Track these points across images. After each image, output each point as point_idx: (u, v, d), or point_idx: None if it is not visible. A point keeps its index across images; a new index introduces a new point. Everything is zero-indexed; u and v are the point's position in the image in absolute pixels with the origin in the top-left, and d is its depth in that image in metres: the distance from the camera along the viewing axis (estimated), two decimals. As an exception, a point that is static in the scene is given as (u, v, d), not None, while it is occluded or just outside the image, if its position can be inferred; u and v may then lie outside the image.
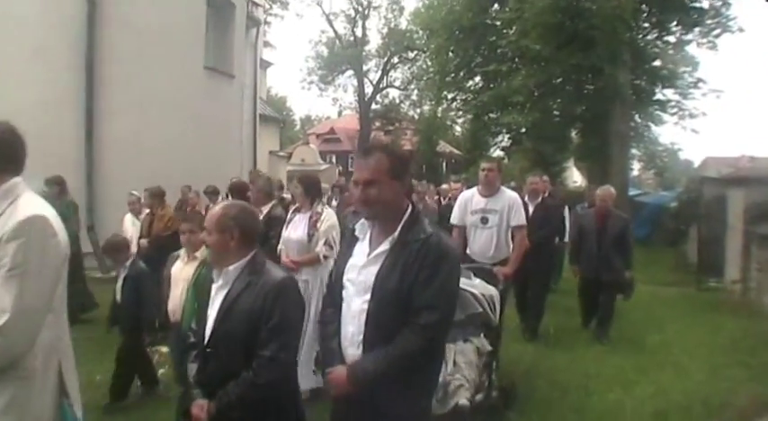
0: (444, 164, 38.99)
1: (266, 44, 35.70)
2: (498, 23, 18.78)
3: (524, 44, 15.45)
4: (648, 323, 7.43)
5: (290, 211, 4.97)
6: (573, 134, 20.34)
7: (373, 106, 36.76)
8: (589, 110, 16.84)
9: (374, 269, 2.12)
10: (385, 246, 2.13)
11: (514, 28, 16.66)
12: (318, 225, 4.57)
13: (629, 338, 6.57)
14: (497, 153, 27.66)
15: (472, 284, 3.89)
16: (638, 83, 17.19)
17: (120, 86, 10.35)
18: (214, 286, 2.39)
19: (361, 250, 2.23)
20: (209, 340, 2.32)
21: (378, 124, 36.82)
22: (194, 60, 12.08)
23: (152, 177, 8.16)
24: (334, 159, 42.81)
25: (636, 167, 25.50)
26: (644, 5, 16.01)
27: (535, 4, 14.90)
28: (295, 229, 4.65)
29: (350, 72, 36.15)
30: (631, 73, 16.08)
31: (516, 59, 17.57)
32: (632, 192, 18.00)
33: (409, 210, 2.17)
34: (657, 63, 17.18)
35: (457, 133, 33.03)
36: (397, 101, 36.85)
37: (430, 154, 32.19)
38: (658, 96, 18.16)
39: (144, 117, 10.66)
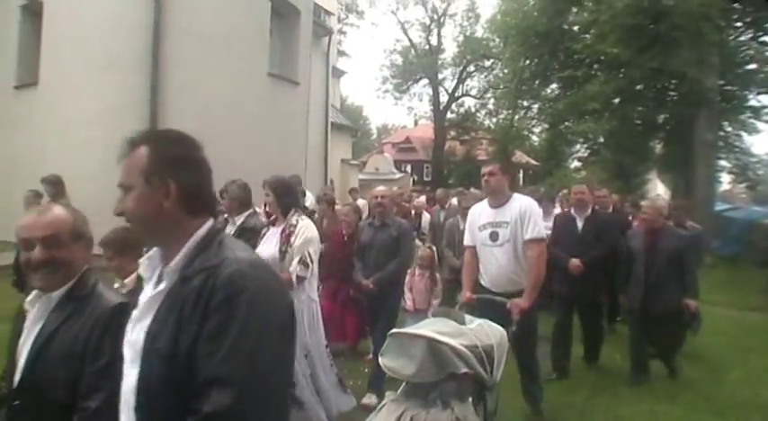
0: (522, 174, 37.99)
1: (341, 53, 36.33)
2: (575, 28, 18.12)
3: (601, 48, 14.64)
4: (729, 355, 6.41)
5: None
6: (655, 143, 19.11)
7: (449, 115, 36.36)
8: (672, 117, 15.81)
9: (145, 323, 1.37)
10: (162, 285, 1.39)
11: (591, 32, 15.93)
12: (292, 240, 3.96)
13: (704, 374, 5.67)
14: (574, 164, 26.76)
15: (459, 332, 2.94)
16: (727, 88, 15.91)
17: (185, 92, 10.61)
18: (28, 318, 1.87)
19: (144, 293, 1.48)
20: (16, 389, 1.78)
21: (453, 133, 36.37)
22: (258, 67, 12.24)
23: (216, 185, 8.18)
24: (409, 169, 42.80)
25: (726, 180, 23.54)
26: (736, 4, 14.77)
27: (613, 5, 14.15)
28: (267, 245, 4.05)
29: (425, 81, 35.98)
30: (720, 77, 14.93)
31: (593, 65, 16.74)
32: (721, 206, 16.61)
33: (203, 228, 1.44)
34: (752, 66, 15.80)
35: (534, 143, 32.00)
36: (473, 110, 36.26)
37: (505, 164, 31.28)
38: (752, 102, 16.75)
39: (207, 123, 10.62)
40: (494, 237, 4.14)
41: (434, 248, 6.41)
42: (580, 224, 5.59)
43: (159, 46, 10.31)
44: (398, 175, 30.17)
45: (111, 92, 10.11)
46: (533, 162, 33.60)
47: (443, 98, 35.85)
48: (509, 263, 4.09)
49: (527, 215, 4.07)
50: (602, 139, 18.30)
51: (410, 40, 35.44)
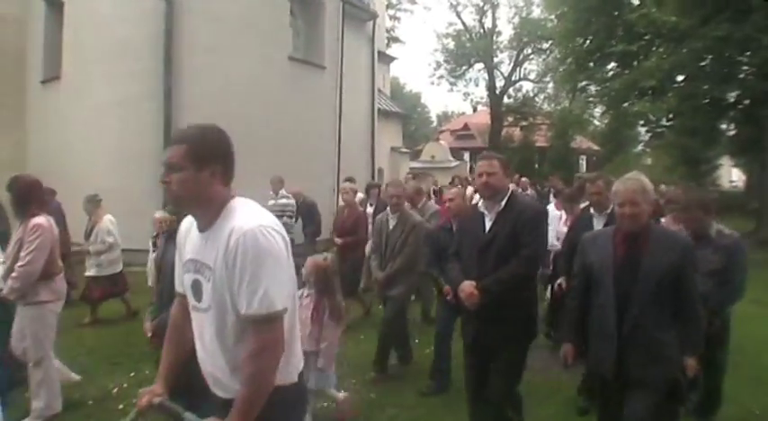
0: (585, 160, 36.35)
1: (395, 39, 35.71)
2: (631, -2, 16.45)
3: (657, 17, 13.13)
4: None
5: None
6: (725, 124, 17.37)
7: (506, 100, 35.08)
8: (744, 94, 14.22)
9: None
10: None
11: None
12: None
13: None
14: (638, 149, 25.08)
15: None
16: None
17: (200, 78, 10.33)
18: None
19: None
20: None
21: (510, 119, 35.11)
22: (278, 50, 11.81)
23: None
24: (467, 156, 41.81)
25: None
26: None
27: (672, -32, 12.64)
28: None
29: (480, 65, 34.77)
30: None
31: (651, 38, 15.23)
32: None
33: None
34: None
35: (597, 127, 30.39)
36: (531, 94, 34.84)
37: (564, 150, 29.94)
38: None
39: (224, 109, 10.28)
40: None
41: (329, 257, 4.24)
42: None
43: (173, 31, 10.07)
44: (454, 163, 29.41)
45: (126, 80, 9.99)
46: (595, 147, 31.94)
47: (500, 83, 34.61)
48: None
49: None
50: (665, 121, 16.89)
51: (463, 23, 34.32)
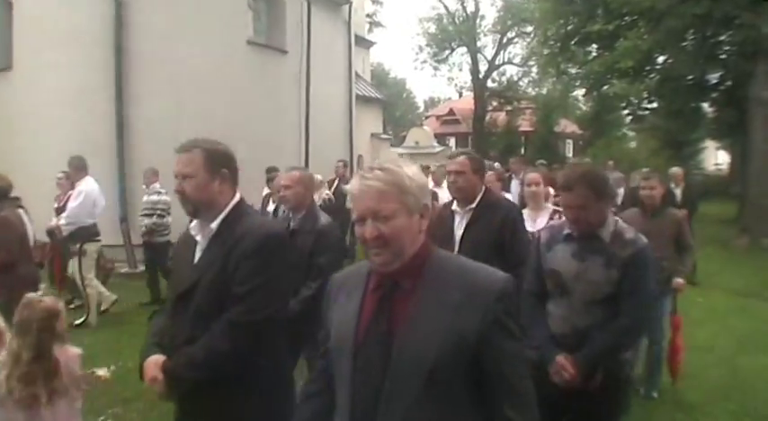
0: (571, 145, 36.12)
1: (377, 24, 35.21)
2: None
3: None
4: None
5: None
6: (708, 106, 17.07)
7: (491, 85, 34.66)
8: (726, 75, 13.91)
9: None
10: None
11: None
12: None
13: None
14: (622, 132, 24.81)
15: None
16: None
17: (153, 65, 9.84)
18: None
19: None
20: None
21: (495, 104, 34.72)
22: (236, 35, 11.30)
23: None
24: (453, 142, 41.54)
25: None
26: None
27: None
28: None
29: (463, 49, 34.26)
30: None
31: (627, 18, 14.84)
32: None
33: None
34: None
35: (581, 110, 30.07)
36: (515, 78, 34.44)
37: (547, 134, 29.64)
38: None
39: (180, 98, 10.07)
40: None
41: None
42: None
43: (122, 17, 9.53)
44: (438, 149, 29.10)
45: (77, 70, 9.52)
46: (580, 131, 31.68)
47: (483, 67, 34.15)
48: None
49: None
50: (647, 104, 16.58)
51: (445, 6, 33.74)
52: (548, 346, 2.60)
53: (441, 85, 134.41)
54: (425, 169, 11.51)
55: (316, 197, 7.81)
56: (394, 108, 48.04)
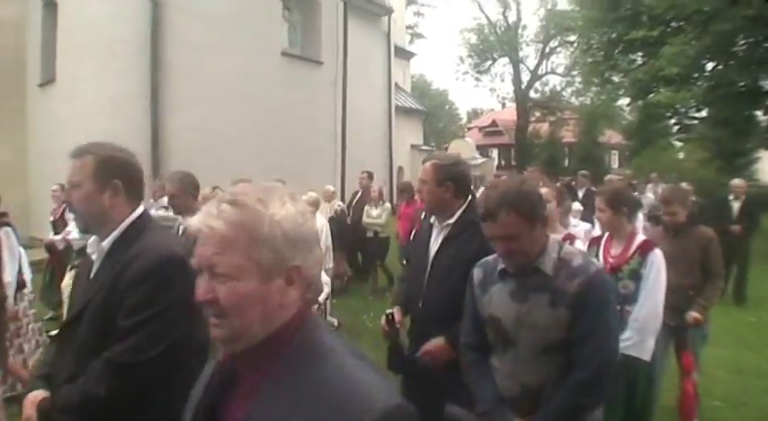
0: (617, 156, 35.25)
1: (418, 35, 35.25)
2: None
3: (680, 1, 12.22)
4: None
5: None
6: (760, 114, 16.22)
7: (533, 95, 34.22)
8: (780, 80, 13.24)
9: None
10: None
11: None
12: None
13: None
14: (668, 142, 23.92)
15: None
16: None
17: (189, 77, 10.03)
18: None
19: None
20: None
21: (537, 114, 34.23)
22: (270, 46, 11.45)
23: (223, 173, 7.62)
24: (495, 153, 41.13)
25: None
26: None
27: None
28: None
29: (505, 60, 33.98)
30: None
31: (672, 23, 14.29)
32: None
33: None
34: None
35: (626, 120, 29.33)
36: (559, 88, 33.88)
37: (591, 145, 28.95)
38: None
39: (213, 108, 10.24)
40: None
41: None
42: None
43: (159, 29, 9.78)
44: (480, 160, 28.89)
45: (115, 80, 9.77)
46: (625, 142, 30.88)
47: (526, 77, 33.78)
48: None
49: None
50: (694, 112, 15.97)
51: (487, 16, 33.59)
52: (496, 411, 2.06)
53: (483, 97, 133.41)
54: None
55: (327, 208, 7.78)
56: (436, 119, 47.95)
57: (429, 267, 2.73)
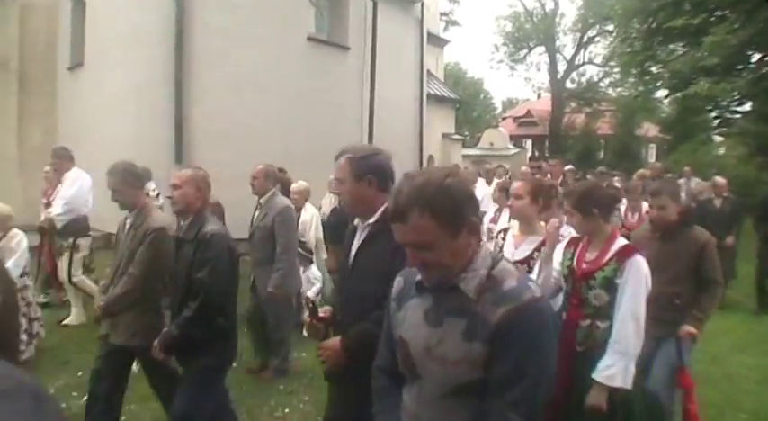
0: (654, 149, 34.34)
1: (453, 23, 34.80)
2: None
3: None
4: None
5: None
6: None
7: (570, 85, 33.51)
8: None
9: None
10: None
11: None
12: None
13: None
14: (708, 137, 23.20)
15: None
16: None
17: (213, 64, 9.98)
18: None
19: None
20: None
21: (573, 105, 33.52)
22: (296, 32, 11.32)
23: (248, 161, 7.58)
24: (529, 144, 40.56)
25: None
26: None
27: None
28: None
29: (541, 49, 33.32)
30: None
31: (716, 12, 13.72)
32: None
33: None
34: None
35: (665, 113, 28.51)
36: (596, 79, 33.07)
37: (627, 138, 28.19)
38: None
39: (238, 96, 10.19)
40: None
41: None
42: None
43: (184, 16, 9.71)
44: (513, 151, 28.54)
45: (140, 67, 9.79)
46: (662, 135, 30.06)
47: (562, 67, 33.07)
48: None
49: None
50: (736, 106, 15.38)
51: (523, 4, 32.95)
52: None
53: (518, 86, 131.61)
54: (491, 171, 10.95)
55: (331, 199, 7.45)
56: (471, 109, 47.47)
57: (349, 273, 2.44)
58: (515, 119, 43.37)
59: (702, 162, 17.50)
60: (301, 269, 5.74)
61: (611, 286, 2.75)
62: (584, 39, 32.08)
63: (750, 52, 13.75)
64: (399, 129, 15.43)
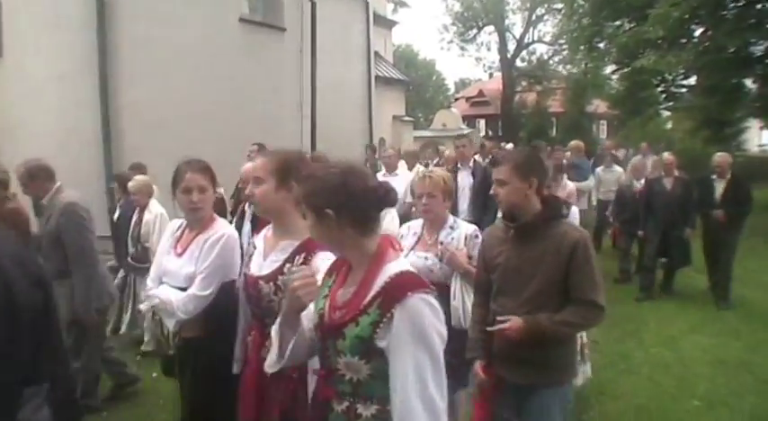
0: (605, 126, 34.79)
1: (402, 4, 34.23)
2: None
3: None
4: None
5: None
6: (749, 82, 15.65)
7: (520, 64, 33.49)
8: (771, 46, 12.71)
9: None
10: None
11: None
12: None
13: None
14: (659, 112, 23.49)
15: None
16: None
17: (140, 50, 9.32)
18: None
19: None
20: None
21: (524, 84, 33.57)
22: (227, 13, 10.69)
23: (180, 151, 6.99)
24: (482, 124, 40.62)
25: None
26: None
27: None
28: None
29: (490, 28, 33.10)
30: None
31: None
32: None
33: None
34: None
35: (614, 88, 28.80)
36: (546, 57, 33.13)
37: (578, 115, 28.39)
38: None
39: (167, 81, 9.53)
40: None
41: None
42: None
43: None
44: (467, 131, 28.39)
45: (62, 55, 9.08)
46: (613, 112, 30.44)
47: (512, 46, 33.00)
48: None
49: None
50: (682, 80, 15.43)
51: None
52: None
53: (470, 67, 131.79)
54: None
55: None
56: (423, 90, 47.15)
57: None
58: (468, 99, 43.37)
59: (653, 136, 17.62)
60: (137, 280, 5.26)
61: (369, 350, 1.56)
62: (533, 17, 32.02)
63: (692, 26, 13.71)
64: (347, 112, 15.06)
